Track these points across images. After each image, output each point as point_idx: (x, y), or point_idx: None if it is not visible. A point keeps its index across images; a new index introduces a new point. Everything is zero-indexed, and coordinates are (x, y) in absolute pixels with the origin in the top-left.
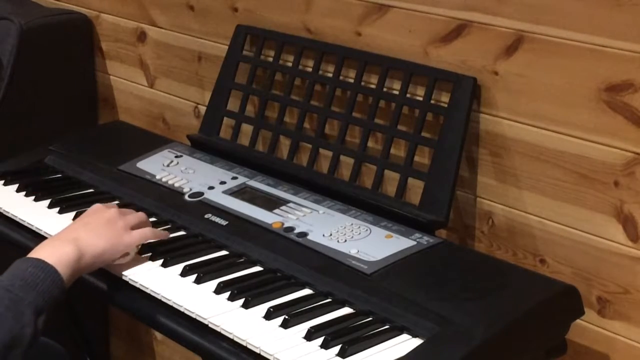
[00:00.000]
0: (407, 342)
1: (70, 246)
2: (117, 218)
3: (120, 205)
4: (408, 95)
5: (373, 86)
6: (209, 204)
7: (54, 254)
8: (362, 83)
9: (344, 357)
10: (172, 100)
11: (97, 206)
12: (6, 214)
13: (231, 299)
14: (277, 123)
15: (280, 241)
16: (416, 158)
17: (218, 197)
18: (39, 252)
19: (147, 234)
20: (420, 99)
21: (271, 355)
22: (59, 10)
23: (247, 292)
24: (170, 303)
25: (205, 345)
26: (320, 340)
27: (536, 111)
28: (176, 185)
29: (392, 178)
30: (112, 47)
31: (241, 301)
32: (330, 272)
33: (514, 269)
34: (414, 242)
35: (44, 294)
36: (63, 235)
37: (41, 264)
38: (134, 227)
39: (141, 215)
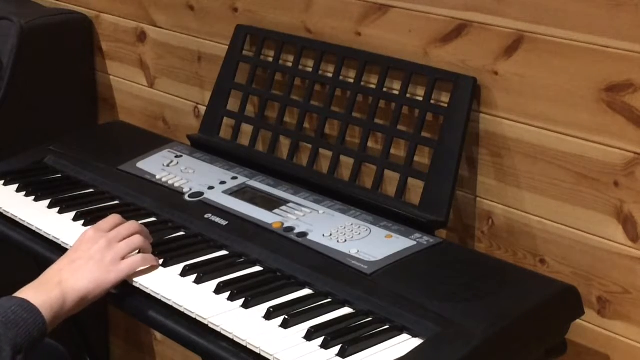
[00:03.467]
0: (407, 342)
1: (55, 290)
2: (106, 250)
3: (119, 206)
4: (408, 95)
5: (373, 86)
6: (209, 204)
7: (40, 296)
8: (362, 83)
9: (344, 357)
10: (172, 100)
11: (88, 233)
12: (6, 214)
13: (231, 299)
14: (277, 123)
15: (280, 241)
16: (416, 158)
17: (218, 197)
18: (25, 293)
19: (136, 264)
20: (420, 99)
21: (271, 355)
22: (59, 10)
23: (247, 292)
24: (170, 303)
25: (205, 345)
26: (320, 340)
27: (536, 111)
28: (176, 185)
29: (392, 178)
30: (112, 47)
31: (241, 301)
32: (330, 272)
33: (514, 269)
34: (414, 242)
35: (24, 334)
36: (48, 277)
37: (25, 304)
38: (127, 254)
39: (134, 240)
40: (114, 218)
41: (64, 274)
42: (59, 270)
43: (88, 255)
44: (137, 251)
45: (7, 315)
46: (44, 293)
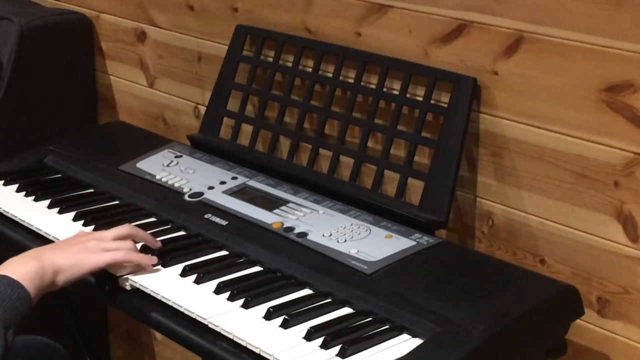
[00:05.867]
0: (407, 342)
1: (33, 262)
2: (92, 239)
3: (119, 206)
4: (408, 95)
5: (373, 86)
6: (209, 204)
7: (19, 270)
8: (362, 83)
9: (344, 357)
10: (172, 100)
11: (78, 232)
12: (6, 214)
13: (231, 299)
14: (277, 123)
15: (280, 241)
16: (416, 158)
17: (218, 197)
18: (4, 269)
19: (118, 257)
20: (420, 99)
21: (271, 355)
22: (59, 10)
23: (247, 292)
24: (170, 303)
25: (205, 345)
26: (320, 340)
27: (536, 111)
28: (176, 185)
29: (392, 178)
30: (112, 47)
31: (241, 301)
32: (330, 272)
33: (514, 269)
34: (414, 242)
35: (11, 309)
36: (27, 253)
37: (7, 279)
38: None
39: (125, 242)
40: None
41: (44, 250)
42: (40, 248)
43: (74, 241)
44: None
45: None
46: (22, 266)
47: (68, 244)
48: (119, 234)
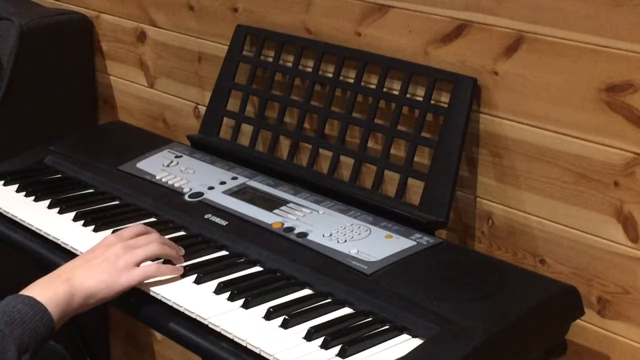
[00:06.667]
0: (407, 342)
1: (63, 285)
2: (122, 255)
3: (119, 206)
4: (408, 96)
5: (373, 86)
6: (209, 204)
7: (46, 292)
8: (362, 83)
9: (344, 357)
10: (172, 100)
11: (108, 238)
12: (6, 214)
13: (231, 299)
14: (277, 123)
15: (280, 241)
16: (416, 158)
17: (218, 197)
18: (32, 290)
19: (150, 272)
20: (420, 99)
21: (271, 355)
22: (59, 10)
23: (247, 292)
24: (170, 303)
25: (205, 345)
26: (320, 340)
27: (536, 111)
28: (176, 185)
29: (392, 178)
30: (112, 47)
31: (241, 301)
32: (330, 272)
33: (514, 269)
34: (414, 242)
35: (30, 332)
36: (59, 273)
37: (31, 301)
38: (142, 261)
39: (151, 247)
40: (137, 227)
41: (75, 272)
42: (71, 268)
43: (103, 257)
44: (158, 260)
45: (12, 314)
46: (51, 289)
47: (98, 260)
48: (147, 256)
